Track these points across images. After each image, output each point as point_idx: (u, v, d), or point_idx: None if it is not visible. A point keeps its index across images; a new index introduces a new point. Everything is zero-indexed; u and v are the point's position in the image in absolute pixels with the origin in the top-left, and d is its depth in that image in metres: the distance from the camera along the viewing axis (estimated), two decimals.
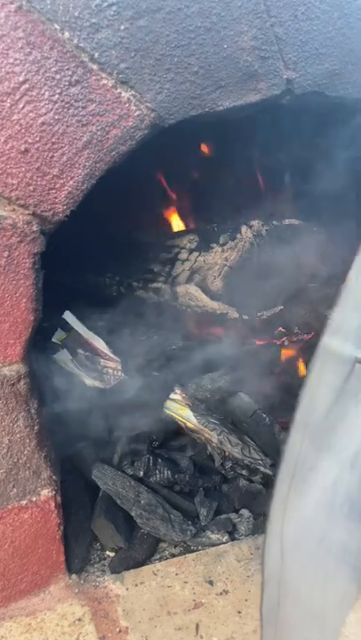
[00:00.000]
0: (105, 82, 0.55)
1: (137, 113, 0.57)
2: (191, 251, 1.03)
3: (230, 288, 0.96)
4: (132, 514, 0.81)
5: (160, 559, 0.79)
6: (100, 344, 0.98)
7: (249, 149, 0.97)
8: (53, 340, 0.98)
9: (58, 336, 0.99)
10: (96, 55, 0.54)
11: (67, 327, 1.00)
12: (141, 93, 0.57)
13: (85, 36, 0.53)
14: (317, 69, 0.63)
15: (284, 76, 0.62)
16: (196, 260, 1.01)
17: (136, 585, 0.74)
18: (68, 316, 0.99)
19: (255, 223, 0.97)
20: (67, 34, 0.52)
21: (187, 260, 1.02)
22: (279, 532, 0.42)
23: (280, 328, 1.01)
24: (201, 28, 0.56)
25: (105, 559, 0.79)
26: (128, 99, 0.56)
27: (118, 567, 0.77)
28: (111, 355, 0.97)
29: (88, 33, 0.53)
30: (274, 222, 0.98)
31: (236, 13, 0.57)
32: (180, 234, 1.09)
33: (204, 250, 1.00)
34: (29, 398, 0.64)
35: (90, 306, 1.00)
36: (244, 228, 0.97)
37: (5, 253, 0.56)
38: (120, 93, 0.56)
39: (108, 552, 0.80)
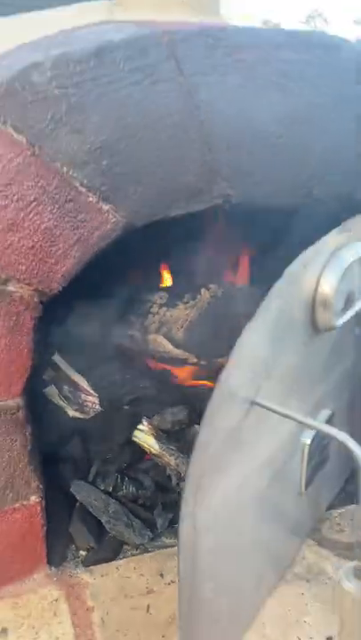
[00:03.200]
0: (91, 199, 0.77)
1: (113, 220, 0.79)
2: (161, 305, 1.25)
3: (191, 338, 1.17)
4: (102, 520, 1.01)
5: (123, 557, 0.98)
6: (82, 381, 1.19)
7: (211, 232, 1.19)
8: (44, 377, 1.19)
9: (48, 374, 1.19)
10: (85, 182, 0.76)
11: (55, 366, 1.20)
12: (117, 206, 0.79)
13: (78, 169, 0.75)
14: (248, 187, 0.86)
15: (223, 192, 0.85)
16: (164, 314, 1.23)
17: (102, 576, 0.94)
18: (57, 358, 1.20)
19: (212, 286, 1.20)
20: (65, 168, 0.74)
21: (157, 313, 1.24)
22: (191, 512, 0.62)
23: None
24: (159, 162, 0.79)
25: (79, 557, 0.98)
26: (107, 210, 0.79)
27: (89, 562, 0.96)
28: (91, 391, 1.18)
29: (80, 167, 0.75)
30: (227, 286, 1.20)
31: (186, 152, 0.80)
32: (154, 291, 1.31)
33: (171, 306, 1.22)
34: (25, 424, 0.84)
35: (75, 349, 1.21)
36: (203, 290, 1.20)
37: (14, 318, 0.77)
38: (101, 207, 0.78)
39: (81, 551, 0.99)
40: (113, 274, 1.24)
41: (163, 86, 0.77)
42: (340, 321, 0.78)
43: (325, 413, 0.93)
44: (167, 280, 1.34)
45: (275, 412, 0.66)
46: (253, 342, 0.65)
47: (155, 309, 1.25)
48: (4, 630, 0.84)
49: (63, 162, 0.74)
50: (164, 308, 1.23)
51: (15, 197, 0.73)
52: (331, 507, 1.10)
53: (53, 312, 0.87)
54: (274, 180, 0.88)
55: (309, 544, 1.01)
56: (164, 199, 0.82)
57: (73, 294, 0.85)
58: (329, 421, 0.93)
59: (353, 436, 1.02)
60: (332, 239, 0.77)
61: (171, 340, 1.18)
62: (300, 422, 0.66)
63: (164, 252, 1.34)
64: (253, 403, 0.66)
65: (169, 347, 1.17)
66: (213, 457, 0.63)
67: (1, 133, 0.71)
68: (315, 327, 0.77)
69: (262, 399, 0.67)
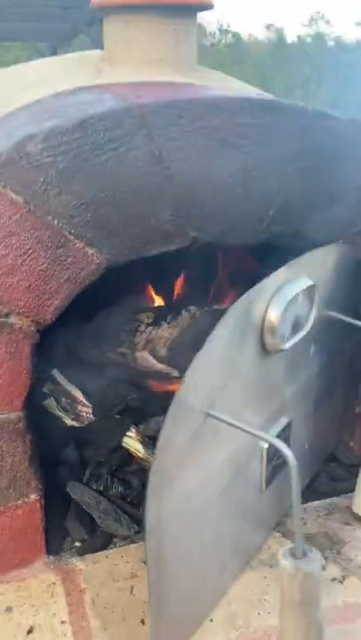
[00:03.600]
0: (78, 245, 0.93)
1: (97, 261, 0.95)
2: (148, 325, 1.40)
3: (172, 354, 1.32)
4: (94, 516, 1.16)
5: (112, 548, 1.13)
6: (77, 394, 1.34)
7: (190, 261, 1.35)
8: (44, 390, 1.34)
9: (47, 387, 1.35)
10: (73, 231, 0.91)
11: (54, 381, 1.36)
12: (101, 249, 0.94)
13: (67, 221, 0.91)
14: (213, 230, 1.02)
15: (191, 235, 1.00)
16: (150, 333, 1.38)
17: (93, 563, 1.09)
18: (56, 373, 1.36)
19: (192, 308, 1.35)
20: (55, 221, 0.90)
21: (144, 332, 1.40)
22: (156, 503, 0.76)
23: None
24: (136, 213, 0.95)
25: (74, 547, 1.13)
26: (92, 253, 0.94)
27: (82, 552, 1.12)
28: (85, 402, 1.33)
29: (68, 220, 0.91)
30: (205, 308, 1.36)
31: (159, 204, 0.96)
32: (142, 311, 1.47)
33: (156, 325, 1.37)
34: (25, 433, 1.00)
35: (72, 365, 1.37)
36: (183, 312, 1.35)
37: (15, 345, 0.93)
38: (87, 250, 0.94)
39: (76, 543, 1.14)
40: (107, 297, 1.39)
41: (136, 152, 0.92)
42: (288, 345, 0.93)
43: (283, 421, 1.07)
44: (155, 301, 1.50)
45: (226, 422, 0.81)
46: (209, 361, 0.80)
47: (142, 328, 1.40)
48: (9, 608, 0.99)
49: (54, 216, 0.90)
50: (151, 328, 1.38)
51: (15, 246, 0.89)
52: None
53: (54, 333, 1.03)
54: (235, 224, 1.03)
55: (275, 536, 1.16)
56: (140, 243, 0.97)
57: (71, 317, 1.00)
58: (286, 428, 1.08)
59: (313, 440, 1.18)
60: (280, 274, 0.93)
61: (155, 356, 1.34)
62: (246, 431, 0.81)
63: (152, 277, 1.50)
64: (208, 414, 0.81)
65: (153, 362, 1.33)
66: (174, 458, 0.78)
67: (1, 195, 0.87)
68: (265, 349, 0.92)
69: (217, 411, 0.82)
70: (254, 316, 0.89)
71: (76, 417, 1.33)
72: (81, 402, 1.33)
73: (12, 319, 0.92)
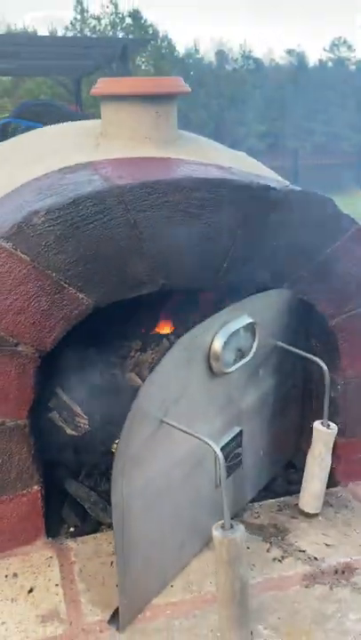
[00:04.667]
0: (71, 291, 1.22)
1: (87, 303, 1.24)
2: (136, 350, 1.69)
3: None
4: (85, 506, 1.43)
5: (99, 532, 1.40)
6: (76, 408, 1.62)
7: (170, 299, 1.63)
8: (49, 404, 1.63)
9: (52, 402, 1.63)
10: (67, 281, 1.21)
11: (57, 396, 1.64)
12: (88, 294, 1.23)
13: (63, 273, 1.20)
14: (178, 278, 1.30)
15: (160, 282, 1.29)
16: (138, 357, 1.66)
17: (83, 543, 1.35)
18: (59, 390, 1.64)
19: (171, 337, 1.63)
20: (54, 274, 1.19)
21: (133, 356, 1.68)
22: (119, 489, 1.03)
23: None
24: (116, 267, 1.23)
25: (68, 532, 1.41)
26: (82, 297, 1.23)
27: (75, 535, 1.39)
28: (83, 414, 1.61)
29: (64, 272, 1.20)
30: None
31: (134, 260, 1.25)
32: (133, 339, 1.75)
33: (143, 351, 1.66)
34: (30, 436, 1.28)
35: (73, 383, 1.65)
36: (164, 340, 1.63)
37: (22, 367, 1.22)
38: (78, 295, 1.22)
39: (70, 528, 1.42)
40: (103, 327, 1.68)
41: (116, 221, 1.21)
42: (230, 369, 1.21)
43: (236, 430, 1.34)
44: (144, 330, 1.78)
45: (176, 428, 1.08)
46: (161, 379, 1.08)
47: (132, 353, 1.69)
48: (15, 574, 1.26)
49: (53, 270, 1.19)
50: (139, 353, 1.67)
51: (23, 293, 1.18)
52: (253, 500, 1.50)
53: (60, 357, 1.31)
54: (195, 274, 1.31)
55: None
56: (119, 288, 1.26)
57: (72, 345, 1.29)
58: (238, 436, 1.35)
59: (269, 448, 1.44)
60: (224, 313, 1.20)
61: (141, 377, 1.62)
62: (188, 434, 1.08)
63: (144, 310, 1.78)
64: (162, 421, 1.08)
65: (139, 382, 1.60)
66: (133, 454, 1.05)
67: (13, 255, 1.16)
68: (212, 372, 1.20)
69: (169, 418, 1.10)
70: (203, 345, 1.16)
71: (75, 427, 1.60)
72: (79, 414, 1.61)
73: (20, 347, 1.21)
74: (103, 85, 1.54)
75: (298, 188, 1.38)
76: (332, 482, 1.56)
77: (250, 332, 1.26)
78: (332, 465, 1.53)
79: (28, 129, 9.73)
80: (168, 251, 1.27)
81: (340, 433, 1.55)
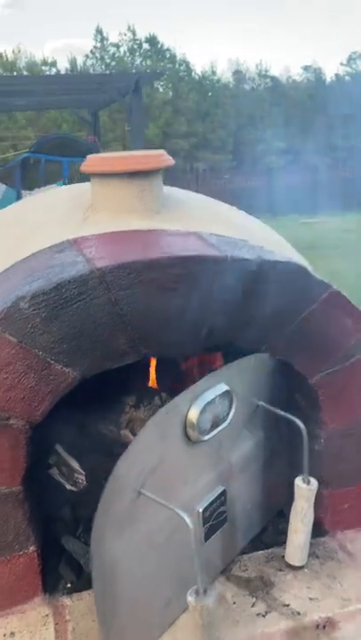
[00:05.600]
0: (57, 367, 1.31)
1: (72, 376, 1.33)
2: (131, 407, 1.77)
3: None
4: (81, 562, 1.51)
5: None
6: (74, 464, 1.71)
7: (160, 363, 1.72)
8: (49, 461, 1.72)
9: (52, 459, 1.73)
10: (53, 358, 1.31)
11: (57, 453, 1.74)
12: (74, 368, 1.33)
13: (49, 351, 1.30)
14: (159, 347, 1.39)
15: (143, 352, 1.38)
16: (132, 414, 1.75)
17: (78, 600, 1.43)
18: (58, 447, 1.74)
19: (164, 394, 1.72)
20: (41, 352, 1.29)
21: (128, 412, 1.77)
22: (99, 552, 1.11)
23: None
24: (99, 341, 1.33)
25: (65, 588, 1.49)
26: (68, 371, 1.32)
27: (71, 591, 1.47)
28: (80, 470, 1.70)
29: (50, 350, 1.30)
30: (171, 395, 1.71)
31: (116, 333, 1.34)
32: (129, 393, 1.84)
33: (137, 407, 1.74)
34: (25, 502, 1.37)
35: (72, 440, 1.75)
36: (156, 397, 1.72)
37: (14, 439, 1.31)
38: (64, 369, 1.32)
39: (67, 584, 1.50)
40: (100, 387, 1.77)
41: (98, 300, 1.31)
42: (207, 437, 1.28)
43: (219, 489, 1.41)
44: (140, 384, 1.87)
45: (153, 500, 1.16)
46: (137, 452, 1.16)
47: (127, 409, 1.78)
48: (12, 633, 1.35)
49: (39, 349, 1.29)
50: (133, 409, 1.76)
51: (12, 371, 1.28)
52: (244, 551, 1.57)
53: (59, 417, 1.41)
54: (175, 343, 1.40)
55: (220, 579, 1.48)
56: (103, 361, 1.35)
57: (70, 404, 1.38)
58: (222, 495, 1.42)
59: (258, 500, 1.50)
60: (200, 383, 1.28)
61: (134, 433, 1.70)
62: (165, 507, 1.15)
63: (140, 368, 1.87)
64: (140, 492, 1.17)
65: (132, 438, 1.69)
66: (113, 523, 1.13)
67: (2, 337, 1.27)
68: (190, 440, 1.28)
69: (147, 488, 1.18)
70: (179, 416, 1.24)
71: (74, 483, 1.69)
72: (77, 470, 1.70)
73: (12, 421, 1.31)
74: (91, 164, 1.65)
75: (272, 259, 1.46)
76: (319, 531, 1.62)
77: (227, 399, 1.34)
78: (319, 515, 1.59)
79: (47, 162, 10.02)
80: (148, 323, 1.36)
81: (326, 484, 1.61)
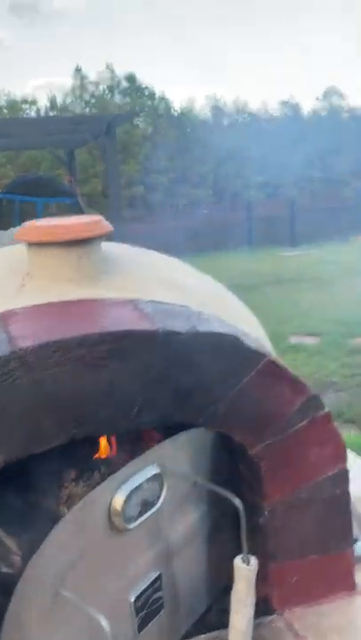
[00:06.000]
0: None
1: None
2: (71, 480, 1.71)
3: None
4: None
5: None
6: (12, 544, 1.64)
7: None
8: None
9: None
10: None
11: None
12: None
13: None
14: (89, 426, 1.34)
15: (72, 432, 1.33)
16: (72, 489, 1.69)
17: None
18: None
19: (103, 468, 1.66)
20: None
21: (67, 487, 1.70)
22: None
23: None
24: (24, 421, 1.28)
25: None
26: None
27: None
28: (17, 551, 1.62)
29: None
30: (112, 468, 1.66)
31: (41, 415, 1.29)
32: (70, 466, 1.78)
33: (76, 483, 1.68)
34: None
35: (9, 517, 1.68)
36: (96, 472, 1.66)
37: None
38: None
39: None
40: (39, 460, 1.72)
41: (20, 381, 1.26)
42: (133, 525, 1.23)
43: (153, 575, 1.35)
44: (82, 456, 1.81)
45: (72, 601, 1.10)
46: (53, 549, 1.10)
47: (66, 484, 1.71)
48: None
49: None
50: (73, 483, 1.69)
51: None
52: (187, 634, 1.49)
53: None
54: (106, 420, 1.35)
55: None
56: (29, 443, 1.30)
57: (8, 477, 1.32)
58: (158, 579, 1.36)
59: (199, 580, 1.44)
60: (126, 469, 1.23)
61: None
62: (84, 610, 1.09)
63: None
64: (58, 593, 1.10)
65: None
66: (26, 628, 1.07)
67: None
68: (114, 528, 1.22)
69: (68, 586, 1.11)
70: (102, 505, 1.19)
71: (10, 565, 1.61)
72: (14, 552, 1.62)
73: None
74: (26, 232, 1.62)
75: (206, 329, 1.43)
76: (267, 609, 1.56)
77: (157, 481, 1.29)
78: (265, 591, 1.53)
79: (22, 203, 10.04)
80: (76, 402, 1.32)
81: (272, 558, 1.56)
